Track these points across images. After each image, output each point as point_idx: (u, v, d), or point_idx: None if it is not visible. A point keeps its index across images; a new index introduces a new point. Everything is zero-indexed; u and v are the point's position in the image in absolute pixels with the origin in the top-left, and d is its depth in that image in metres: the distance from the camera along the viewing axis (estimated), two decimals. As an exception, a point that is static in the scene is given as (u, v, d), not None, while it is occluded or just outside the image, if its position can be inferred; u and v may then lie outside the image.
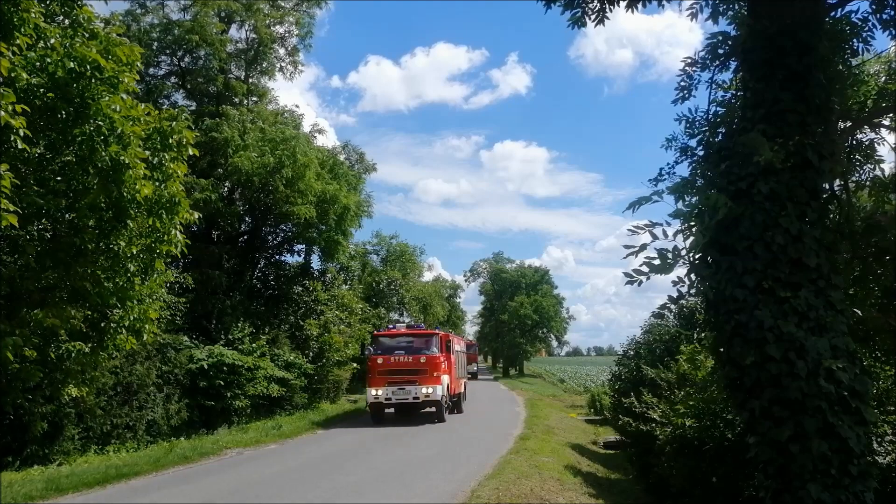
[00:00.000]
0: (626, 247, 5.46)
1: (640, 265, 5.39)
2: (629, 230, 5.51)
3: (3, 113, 6.49)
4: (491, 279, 67.94)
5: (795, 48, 5.68)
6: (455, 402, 23.58)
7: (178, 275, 19.13)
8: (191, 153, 9.90)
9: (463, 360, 28.41)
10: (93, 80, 8.18)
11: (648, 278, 5.40)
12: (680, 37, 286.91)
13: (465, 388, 26.60)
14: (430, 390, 19.90)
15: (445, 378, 21.03)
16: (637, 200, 5.61)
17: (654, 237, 5.39)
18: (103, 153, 8.29)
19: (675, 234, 5.59)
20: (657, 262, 5.38)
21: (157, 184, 9.20)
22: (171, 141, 9.39)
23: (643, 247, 5.40)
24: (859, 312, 6.21)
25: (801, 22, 5.73)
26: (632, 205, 5.64)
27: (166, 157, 9.34)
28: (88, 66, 8.09)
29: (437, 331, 22.45)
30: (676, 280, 5.85)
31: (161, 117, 9.60)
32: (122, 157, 8.37)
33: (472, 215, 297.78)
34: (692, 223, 5.65)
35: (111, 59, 8.50)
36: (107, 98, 8.31)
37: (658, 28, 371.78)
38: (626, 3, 7.00)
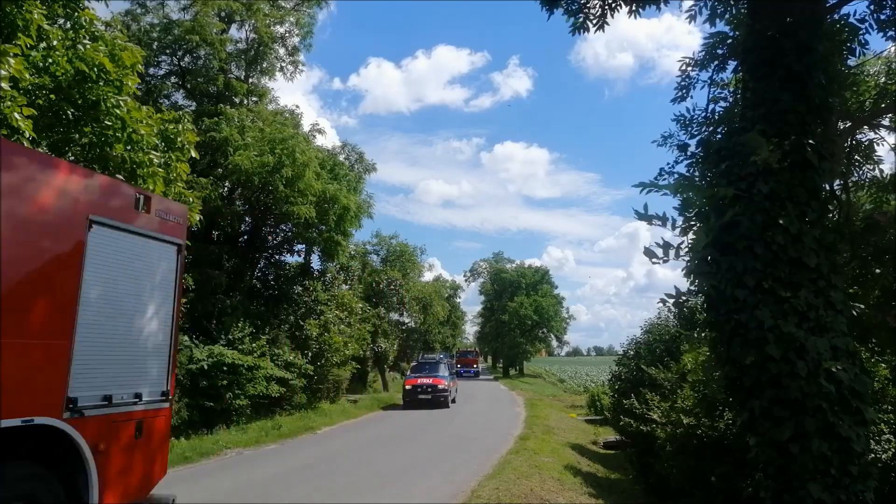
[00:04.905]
0: (647, 253, 5.66)
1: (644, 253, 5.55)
2: (636, 212, 5.55)
3: (16, 115, 6.53)
4: (491, 279, 67.82)
5: (795, 48, 5.68)
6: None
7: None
8: (192, 155, 9.93)
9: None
10: (99, 83, 8.22)
11: (667, 260, 5.54)
12: (679, 40, 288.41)
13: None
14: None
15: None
16: (650, 183, 5.67)
17: (663, 223, 5.50)
18: (115, 154, 8.32)
19: (678, 230, 5.66)
20: (660, 250, 5.51)
21: (166, 185, 9.27)
22: (177, 142, 9.44)
23: (667, 246, 5.59)
24: (860, 306, 6.22)
25: (800, 22, 5.74)
26: (643, 186, 5.65)
27: (173, 157, 9.38)
28: (95, 69, 8.13)
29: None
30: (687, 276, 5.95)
31: (165, 119, 9.64)
32: (138, 158, 8.43)
33: (472, 215, 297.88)
34: (692, 222, 5.67)
35: (117, 62, 8.57)
36: (114, 99, 8.37)
37: (658, 32, 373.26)
38: (627, 7, 7.03)
